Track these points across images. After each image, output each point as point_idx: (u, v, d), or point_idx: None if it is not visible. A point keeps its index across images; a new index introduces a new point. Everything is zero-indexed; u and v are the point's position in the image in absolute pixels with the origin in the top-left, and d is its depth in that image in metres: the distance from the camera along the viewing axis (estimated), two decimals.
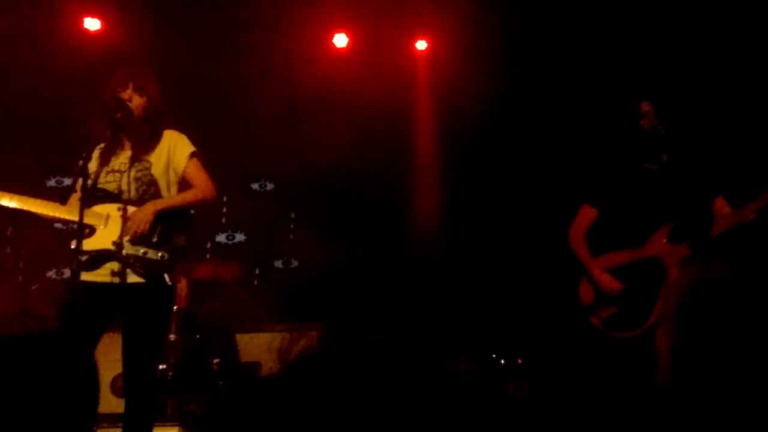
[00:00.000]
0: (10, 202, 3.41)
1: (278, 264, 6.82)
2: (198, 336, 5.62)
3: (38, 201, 3.47)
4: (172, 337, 5.45)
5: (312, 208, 6.57)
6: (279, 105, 6.33)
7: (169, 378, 5.24)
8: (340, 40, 6.66)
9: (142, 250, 3.44)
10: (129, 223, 3.43)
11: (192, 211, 3.68)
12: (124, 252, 3.41)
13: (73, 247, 3.34)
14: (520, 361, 5.07)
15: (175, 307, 5.51)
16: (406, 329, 6.00)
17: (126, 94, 3.56)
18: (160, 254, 3.44)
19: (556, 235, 4.13)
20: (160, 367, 5.22)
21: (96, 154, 3.62)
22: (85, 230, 3.39)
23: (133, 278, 3.42)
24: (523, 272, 5.81)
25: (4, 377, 1.29)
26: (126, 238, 3.44)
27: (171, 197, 3.59)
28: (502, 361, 5.08)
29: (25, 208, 3.44)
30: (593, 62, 5.84)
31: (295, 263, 6.84)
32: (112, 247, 3.40)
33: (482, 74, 5.92)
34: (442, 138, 6.43)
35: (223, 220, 6.68)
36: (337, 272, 6.31)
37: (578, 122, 5.73)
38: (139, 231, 3.43)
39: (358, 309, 6.08)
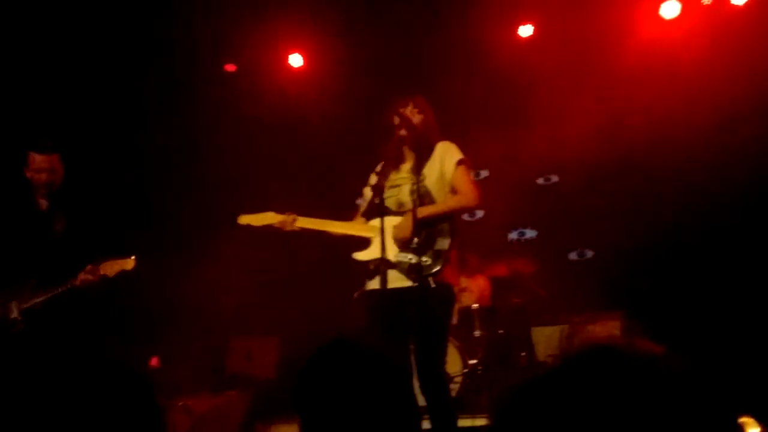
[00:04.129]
0: (303, 224, 3.95)
1: (573, 256, 6.81)
2: (501, 331, 5.87)
3: (327, 221, 3.98)
4: (477, 333, 5.76)
5: (598, 196, 6.45)
6: (552, 98, 6.32)
7: (479, 372, 5.56)
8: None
9: (409, 256, 3.74)
10: (395, 231, 3.77)
11: (464, 216, 3.90)
12: (393, 260, 3.76)
13: (354, 257, 3.84)
14: None
15: (476, 305, 5.84)
16: (717, 318, 5.60)
17: (408, 112, 3.95)
18: (424, 259, 3.69)
19: None
20: (470, 361, 5.56)
21: (378, 170, 4.06)
22: (368, 243, 3.85)
23: (405, 283, 3.72)
24: None
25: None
26: (394, 247, 3.77)
27: (433, 205, 3.82)
28: None
29: (316, 228, 3.96)
30: None
31: (590, 254, 6.76)
32: (382, 256, 3.71)
33: None
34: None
35: (513, 218, 6.85)
36: (634, 260, 6.10)
37: None
38: (401, 237, 3.74)
39: (659, 297, 5.82)
